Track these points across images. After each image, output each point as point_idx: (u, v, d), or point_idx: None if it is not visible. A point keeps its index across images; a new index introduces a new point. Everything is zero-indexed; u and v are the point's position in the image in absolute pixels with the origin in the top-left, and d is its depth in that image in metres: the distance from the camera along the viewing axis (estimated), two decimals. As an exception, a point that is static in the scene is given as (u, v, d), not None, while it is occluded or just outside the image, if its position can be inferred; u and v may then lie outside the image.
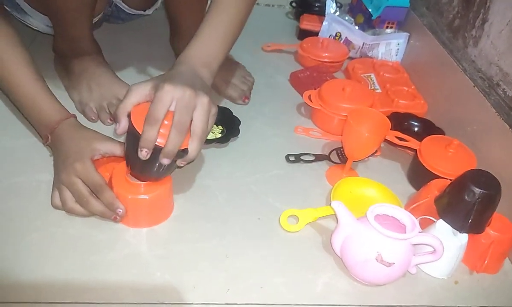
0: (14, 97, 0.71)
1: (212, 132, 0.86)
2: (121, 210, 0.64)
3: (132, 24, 1.14)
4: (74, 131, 0.69)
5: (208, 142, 0.82)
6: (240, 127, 0.86)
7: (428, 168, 0.77)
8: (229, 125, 0.87)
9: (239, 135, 0.86)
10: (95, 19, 0.98)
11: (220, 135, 0.85)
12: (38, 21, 0.92)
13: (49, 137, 0.69)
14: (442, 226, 0.65)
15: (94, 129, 0.71)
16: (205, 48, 0.67)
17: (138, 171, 0.64)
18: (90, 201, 0.64)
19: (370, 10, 1.19)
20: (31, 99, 0.69)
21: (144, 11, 1.03)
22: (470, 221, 0.63)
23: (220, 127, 0.87)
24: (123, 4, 0.96)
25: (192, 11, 0.95)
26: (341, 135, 0.80)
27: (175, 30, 1.00)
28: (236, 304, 0.59)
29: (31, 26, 0.95)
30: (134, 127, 0.58)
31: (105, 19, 1.07)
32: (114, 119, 0.77)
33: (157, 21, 1.10)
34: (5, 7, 0.82)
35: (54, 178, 0.68)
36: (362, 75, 1.07)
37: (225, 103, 0.94)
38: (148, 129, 0.56)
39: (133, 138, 0.59)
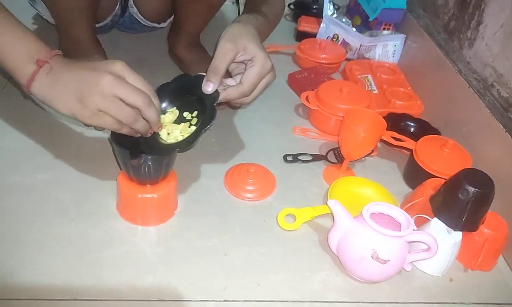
0: None
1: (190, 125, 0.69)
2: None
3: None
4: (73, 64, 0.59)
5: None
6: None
7: (424, 168, 0.78)
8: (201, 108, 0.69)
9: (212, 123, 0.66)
10: (102, 23, 0.99)
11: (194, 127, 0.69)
12: (46, 11, 0.94)
13: (49, 62, 0.57)
14: (436, 224, 0.66)
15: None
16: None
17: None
18: (139, 120, 0.58)
19: (367, 12, 1.21)
20: (19, 31, 0.58)
21: (159, 23, 1.02)
22: (464, 219, 0.64)
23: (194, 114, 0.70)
24: (139, 15, 0.96)
25: (197, 15, 0.95)
26: (338, 136, 0.81)
27: (176, 29, 1.00)
28: (234, 301, 0.60)
29: (41, 15, 0.97)
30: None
31: (117, 27, 1.08)
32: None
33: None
34: None
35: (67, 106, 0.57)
36: (359, 76, 1.08)
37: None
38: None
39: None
